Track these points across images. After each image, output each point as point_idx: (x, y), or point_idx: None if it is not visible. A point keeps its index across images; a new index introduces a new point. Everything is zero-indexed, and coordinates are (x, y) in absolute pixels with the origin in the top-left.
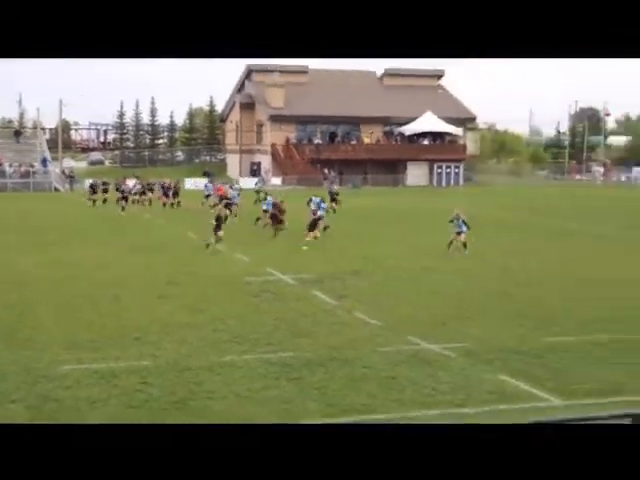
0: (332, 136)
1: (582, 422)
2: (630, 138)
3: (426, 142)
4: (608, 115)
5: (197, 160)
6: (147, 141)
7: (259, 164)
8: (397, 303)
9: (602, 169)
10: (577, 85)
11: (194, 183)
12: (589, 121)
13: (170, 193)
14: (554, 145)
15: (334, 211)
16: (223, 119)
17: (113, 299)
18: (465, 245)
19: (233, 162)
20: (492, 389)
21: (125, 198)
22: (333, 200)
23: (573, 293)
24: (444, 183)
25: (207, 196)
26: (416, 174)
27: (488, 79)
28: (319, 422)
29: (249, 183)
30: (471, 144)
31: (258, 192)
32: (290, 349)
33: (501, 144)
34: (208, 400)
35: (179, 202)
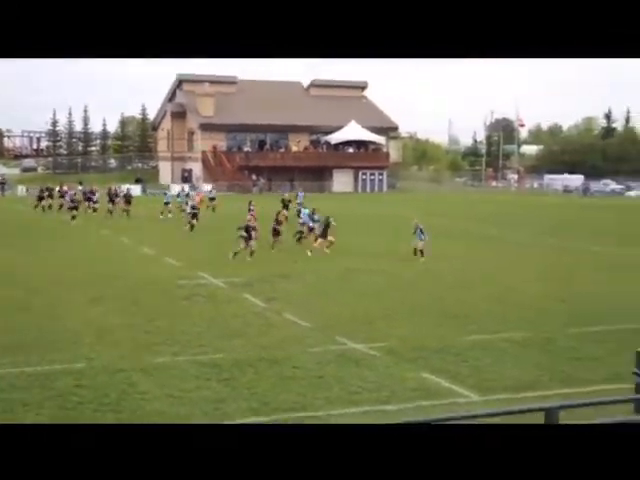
0: (261, 144)
1: (500, 416)
2: (541, 147)
3: (351, 150)
4: (522, 126)
5: (129, 167)
6: (80, 148)
7: (190, 171)
8: (326, 305)
9: (516, 176)
10: (493, 96)
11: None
12: (504, 131)
13: (117, 200)
14: (471, 153)
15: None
16: (155, 127)
17: (47, 303)
18: (422, 252)
19: (165, 169)
20: (415, 386)
21: (76, 207)
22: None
23: (490, 295)
24: (368, 189)
25: (166, 203)
26: (342, 181)
27: (411, 90)
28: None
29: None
30: (394, 152)
31: (212, 199)
32: (221, 350)
33: (422, 152)
34: (141, 401)
35: (128, 210)
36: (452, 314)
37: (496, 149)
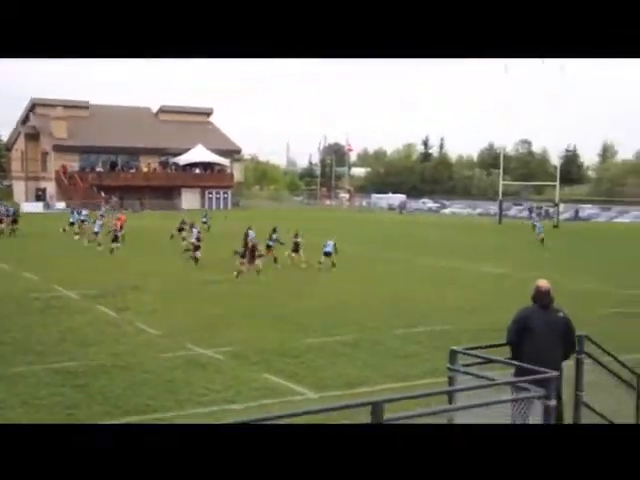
0: (113, 165)
1: (329, 412)
2: (369, 170)
3: (198, 171)
4: (351, 150)
5: None
6: None
7: (44, 190)
8: (174, 313)
9: (347, 195)
10: (326, 122)
11: None
12: (335, 154)
13: (4, 218)
14: (307, 174)
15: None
16: (9, 148)
17: None
18: (275, 260)
19: (19, 188)
20: (258, 386)
21: None
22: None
23: (326, 302)
24: (214, 207)
25: (72, 224)
26: (189, 199)
27: (252, 114)
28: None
29: (34, 207)
30: (237, 173)
31: (102, 217)
32: (75, 358)
33: (263, 173)
34: None
35: (16, 229)
36: (291, 320)
37: (329, 171)
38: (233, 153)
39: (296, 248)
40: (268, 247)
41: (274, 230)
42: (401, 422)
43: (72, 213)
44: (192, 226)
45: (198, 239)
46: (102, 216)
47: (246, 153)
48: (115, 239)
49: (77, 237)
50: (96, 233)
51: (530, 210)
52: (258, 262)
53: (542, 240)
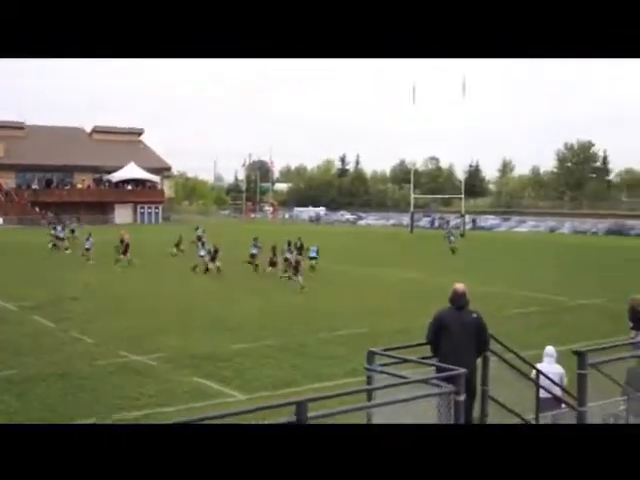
0: (48, 182)
1: (255, 412)
2: (290, 185)
3: (130, 187)
4: (274, 167)
5: None
6: None
7: None
8: (109, 323)
9: (271, 209)
10: (249, 140)
11: None
12: (260, 171)
13: None
14: (234, 190)
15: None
16: None
17: None
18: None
19: None
20: (189, 390)
21: None
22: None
23: (254, 307)
24: (146, 221)
25: (62, 239)
26: (123, 214)
27: (181, 132)
28: None
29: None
30: (167, 189)
31: (73, 231)
32: (14, 367)
33: (192, 189)
34: None
35: None
36: (220, 326)
37: (254, 186)
38: (163, 170)
39: (299, 252)
40: (285, 259)
41: (289, 243)
42: (324, 420)
43: (56, 229)
44: (199, 239)
45: (213, 251)
46: (73, 231)
47: (176, 170)
48: (126, 250)
49: (68, 251)
50: (87, 249)
51: (432, 221)
52: (300, 278)
53: (452, 250)
